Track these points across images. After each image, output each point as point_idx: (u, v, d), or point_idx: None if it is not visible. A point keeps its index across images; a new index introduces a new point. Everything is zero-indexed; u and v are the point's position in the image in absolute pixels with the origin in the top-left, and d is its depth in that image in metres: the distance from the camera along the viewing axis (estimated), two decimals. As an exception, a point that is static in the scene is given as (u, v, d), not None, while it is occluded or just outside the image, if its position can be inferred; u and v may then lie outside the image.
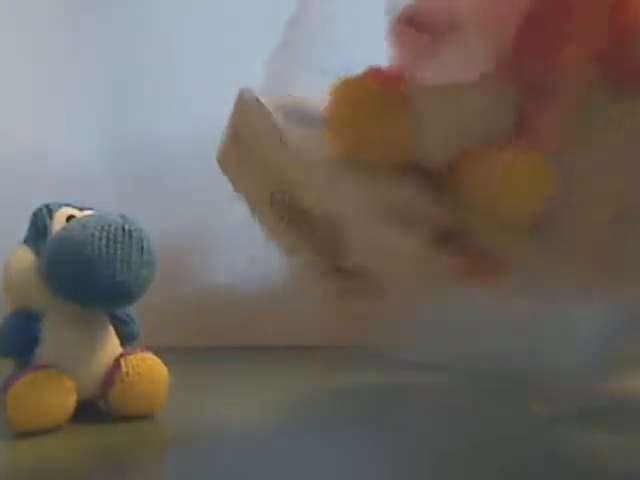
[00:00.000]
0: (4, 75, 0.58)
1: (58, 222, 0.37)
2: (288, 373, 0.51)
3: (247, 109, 0.30)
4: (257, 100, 0.30)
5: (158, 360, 0.39)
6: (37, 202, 0.39)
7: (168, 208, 0.60)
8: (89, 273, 0.35)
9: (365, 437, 0.34)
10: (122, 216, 0.37)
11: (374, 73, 0.28)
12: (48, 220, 0.37)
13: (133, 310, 0.40)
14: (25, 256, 0.37)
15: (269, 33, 0.33)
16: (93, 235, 0.35)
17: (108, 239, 0.35)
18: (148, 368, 0.38)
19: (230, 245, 0.62)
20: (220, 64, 0.62)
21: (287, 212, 0.28)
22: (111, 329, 0.39)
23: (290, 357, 0.57)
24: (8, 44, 0.59)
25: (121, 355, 0.38)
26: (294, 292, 0.61)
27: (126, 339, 0.40)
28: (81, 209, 0.39)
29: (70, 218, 0.38)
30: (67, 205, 0.39)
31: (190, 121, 0.62)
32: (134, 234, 0.36)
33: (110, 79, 0.61)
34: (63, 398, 0.36)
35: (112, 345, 0.39)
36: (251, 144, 0.30)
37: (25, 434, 0.34)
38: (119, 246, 0.35)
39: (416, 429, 0.35)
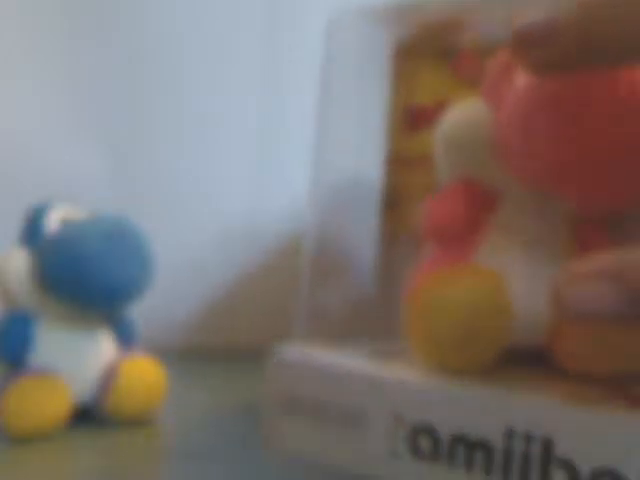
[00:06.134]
0: (3, 75, 0.58)
1: (53, 222, 0.37)
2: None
3: None
4: None
5: (155, 363, 0.38)
6: (32, 202, 0.38)
7: (167, 209, 0.60)
8: (84, 273, 0.34)
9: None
10: (119, 217, 0.36)
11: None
12: (43, 220, 0.37)
13: (131, 312, 0.40)
14: (19, 257, 0.36)
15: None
16: (89, 236, 0.35)
17: (104, 240, 0.35)
18: (145, 371, 0.38)
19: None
20: (223, 65, 0.62)
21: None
22: (108, 332, 0.39)
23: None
24: (8, 44, 0.58)
25: (118, 358, 0.38)
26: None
27: (123, 342, 0.39)
28: (77, 210, 0.38)
29: (66, 218, 0.37)
30: (63, 205, 0.38)
31: (193, 121, 0.62)
32: (131, 235, 0.36)
33: (111, 80, 0.61)
34: (58, 402, 0.35)
35: (109, 348, 0.38)
36: None
37: (20, 440, 0.34)
38: (115, 247, 0.35)
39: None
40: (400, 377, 0.22)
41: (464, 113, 0.27)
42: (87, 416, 0.37)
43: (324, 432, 0.23)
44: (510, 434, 0.19)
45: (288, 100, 0.63)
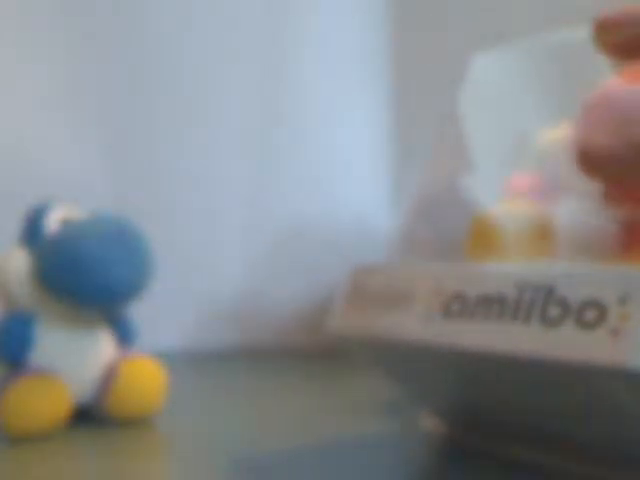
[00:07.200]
0: (3, 75, 0.58)
1: (53, 222, 0.37)
2: (291, 377, 0.50)
3: None
4: None
5: (156, 363, 0.38)
6: (32, 202, 0.38)
7: (167, 209, 0.60)
8: (84, 273, 0.34)
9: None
10: (118, 217, 0.36)
11: None
12: (43, 220, 0.37)
13: (131, 313, 0.40)
14: (19, 257, 0.36)
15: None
16: (89, 236, 0.35)
17: (104, 240, 0.35)
18: (145, 371, 0.38)
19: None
20: (223, 65, 0.62)
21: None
22: (108, 332, 0.39)
23: (293, 360, 0.57)
24: (8, 44, 0.58)
25: (118, 358, 0.38)
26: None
27: (123, 342, 0.39)
28: (77, 210, 0.38)
29: (66, 218, 0.37)
30: (63, 205, 0.38)
31: (193, 121, 0.62)
32: (131, 235, 0.36)
33: (111, 80, 0.61)
34: (58, 403, 0.35)
35: (108, 348, 0.38)
36: None
37: (20, 439, 0.34)
38: (115, 247, 0.35)
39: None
40: (441, 264, 0.29)
41: (554, 130, 0.33)
42: (87, 416, 0.37)
43: (380, 314, 0.29)
44: (522, 288, 0.25)
45: (288, 100, 0.63)
